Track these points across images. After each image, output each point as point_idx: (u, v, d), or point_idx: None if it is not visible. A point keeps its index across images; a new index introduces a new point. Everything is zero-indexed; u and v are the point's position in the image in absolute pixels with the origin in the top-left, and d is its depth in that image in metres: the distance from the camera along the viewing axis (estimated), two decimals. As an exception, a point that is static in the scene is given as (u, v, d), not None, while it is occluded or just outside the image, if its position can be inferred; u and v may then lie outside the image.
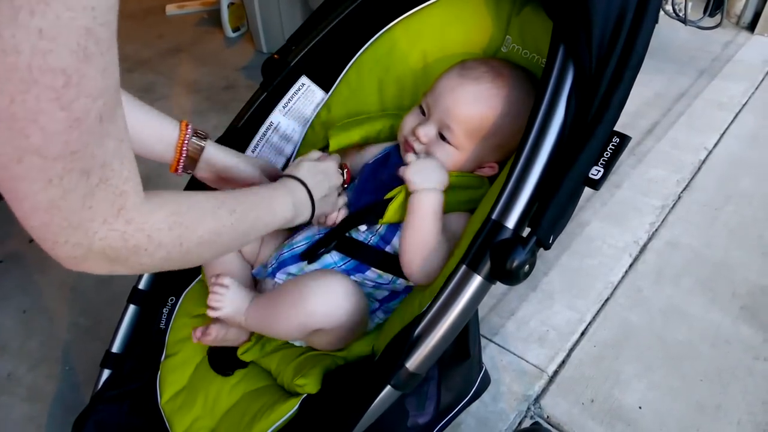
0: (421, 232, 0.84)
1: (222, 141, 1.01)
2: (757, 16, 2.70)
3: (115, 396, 1.00)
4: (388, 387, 0.74)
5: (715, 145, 2.00)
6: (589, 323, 1.42)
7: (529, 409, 1.24)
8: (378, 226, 0.91)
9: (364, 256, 0.91)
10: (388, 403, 0.75)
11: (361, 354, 0.92)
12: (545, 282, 1.50)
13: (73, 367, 1.36)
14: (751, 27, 2.72)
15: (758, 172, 1.88)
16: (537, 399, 1.26)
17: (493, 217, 0.72)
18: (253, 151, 1.07)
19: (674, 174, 1.86)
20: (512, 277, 0.69)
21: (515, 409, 1.23)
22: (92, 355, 1.37)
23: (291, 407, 0.86)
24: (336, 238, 0.91)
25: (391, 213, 0.87)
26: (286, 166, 1.12)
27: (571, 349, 1.36)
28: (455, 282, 0.73)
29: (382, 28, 1.07)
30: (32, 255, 1.64)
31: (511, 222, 0.71)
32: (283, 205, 0.80)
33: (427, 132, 0.92)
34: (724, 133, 2.06)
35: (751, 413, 1.23)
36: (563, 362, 1.33)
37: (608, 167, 0.71)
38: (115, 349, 1.05)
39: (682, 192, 1.81)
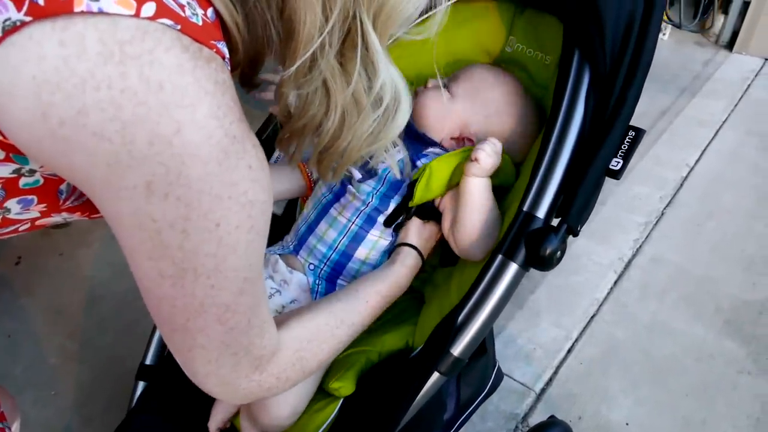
0: (484, 212, 0.88)
1: (260, 132, 1.07)
2: (735, 34, 2.76)
3: (152, 407, 1.00)
4: (436, 373, 0.78)
5: (697, 161, 2.04)
6: (576, 340, 1.43)
7: (517, 427, 1.25)
8: (379, 185, 0.93)
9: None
10: (434, 390, 0.80)
11: (394, 348, 0.94)
12: (532, 300, 1.52)
13: (60, 392, 1.35)
14: (730, 45, 2.78)
15: (739, 188, 1.91)
16: (525, 417, 1.27)
17: (525, 208, 0.79)
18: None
19: (657, 191, 1.89)
20: (546, 263, 0.76)
21: (503, 427, 1.23)
22: (80, 380, 1.37)
23: (332, 411, 0.88)
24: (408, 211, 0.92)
25: (419, 194, 0.89)
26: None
27: (558, 367, 1.37)
28: (493, 270, 0.78)
29: None
30: (18, 278, 1.63)
31: (541, 212, 0.78)
32: (402, 287, 0.86)
33: (435, 82, 0.98)
34: (705, 149, 2.09)
35: (736, 427, 1.24)
36: (550, 380, 1.34)
37: (627, 158, 0.79)
38: (148, 361, 1.05)
39: (665, 208, 1.84)
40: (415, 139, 0.96)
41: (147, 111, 0.39)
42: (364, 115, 0.58)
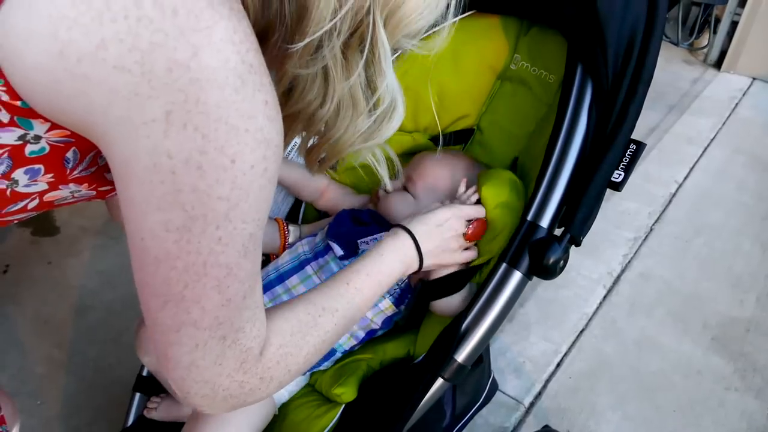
0: None
1: None
2: (723, 53, 2.81)
3: (150, 421, 1.01)
4: (440, 379, 0.79)
5: (685, 178, 2.06)
6: (565, 354, 1.43)
7: (506, 441, 1.25)
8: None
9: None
10: (438, 396, 0.80)
11: (395, 357, 0.94)
12: (521, 313, 1.52)
13: (45, 401, 1.34)
14: (718, 64, 2.82)
15: (726, 206, 1.94)
16: (514, 431, 1.27)
17: (529, 218, 0.81)
18: None
19: (646, 207, 1.91)
20: (549, 272, 0.78)
21: (492, 441, 1.23)
22: (67, 390, 1.36)
23: (333, 417, 0.89)
24: (433, 293, 0.90)
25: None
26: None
27: (547, 381, 1.37)
28: (497, 279, 0.80)
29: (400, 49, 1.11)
30: (5, 287, 1.62)
31: (545, 222, 0.80)
32: (388, 270, 0.76)
33: (394, 185, 0.99)
34: (693, 167, 2.12)
35: (723, 444, 1.25)
36: (539, 393, 1.35)
37: (628, 171, 0.81)
38: (145, 372, 1.05)
39: (653, 224, 1.85)
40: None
41: (164, 37, 0.40)
42: (359, 112, 0.57)
